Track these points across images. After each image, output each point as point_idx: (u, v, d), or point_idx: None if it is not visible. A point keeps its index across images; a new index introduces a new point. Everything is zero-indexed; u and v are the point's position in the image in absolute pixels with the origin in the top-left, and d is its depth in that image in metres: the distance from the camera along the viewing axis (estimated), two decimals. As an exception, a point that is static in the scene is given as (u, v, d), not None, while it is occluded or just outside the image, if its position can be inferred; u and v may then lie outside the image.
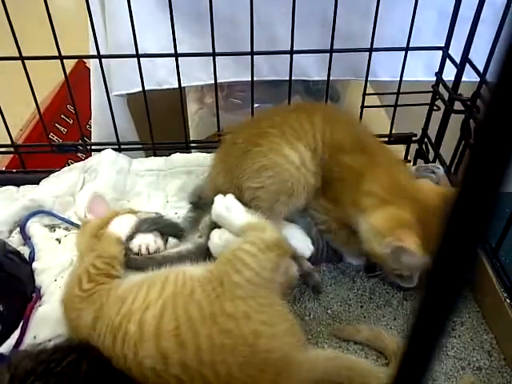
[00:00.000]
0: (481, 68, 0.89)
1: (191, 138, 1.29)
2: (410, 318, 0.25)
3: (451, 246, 0.23)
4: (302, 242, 0.81)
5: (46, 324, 0.75)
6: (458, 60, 0.97)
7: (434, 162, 1.05)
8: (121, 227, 0.76)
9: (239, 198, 0.79)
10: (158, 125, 1.06)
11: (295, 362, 0.63)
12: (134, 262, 0.76)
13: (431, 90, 1.05)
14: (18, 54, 0.94)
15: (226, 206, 0.77)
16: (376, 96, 1.18)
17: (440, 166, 0.97)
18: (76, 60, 1.43)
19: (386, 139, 1.10)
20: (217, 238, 0.77)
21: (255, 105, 1.07)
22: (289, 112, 0.86)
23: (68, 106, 1.44)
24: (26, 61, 0.95)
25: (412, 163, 1.12)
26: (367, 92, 1.06)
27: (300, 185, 0.80)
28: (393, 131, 1.09)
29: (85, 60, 1.43)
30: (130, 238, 0.77)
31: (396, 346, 0.73)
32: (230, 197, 0.79)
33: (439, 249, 0.23)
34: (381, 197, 0.76)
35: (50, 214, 0.93)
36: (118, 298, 0.66)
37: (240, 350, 0.60)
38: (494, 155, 0.20)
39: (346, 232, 0.83)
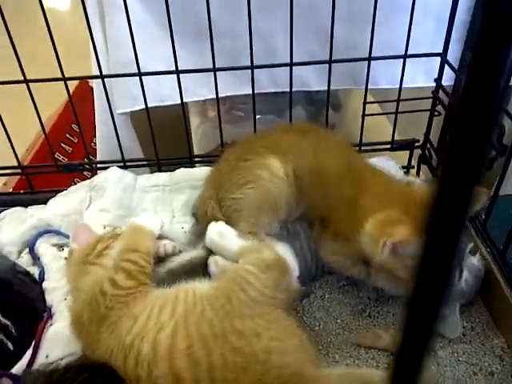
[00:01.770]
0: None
1: (195, 152, 1.30)
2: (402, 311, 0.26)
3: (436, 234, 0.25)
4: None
5: (57, 343, 0.75)
6: (457, 64, 0.97)
7: (437, 167, 1.05)
8: (152, 224, 0.74)
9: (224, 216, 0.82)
10: (162, 140, 1.07)
11: (308, 377, 0.63)
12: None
13: (431, 95, 1.05)
14: (21, 75, 0.95)
15: (218, 233, 0.78)
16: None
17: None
18: (79, 79, 1.44)
19: (389, 146, 1.10)
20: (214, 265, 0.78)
21: (257, 116, 1.07)
22: (282, 133, 0.89)
23: (72, 125, 1.45)
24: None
25: (416, 169, 1.12)
26: (368, 100, 1.06)
27: (282, 196, 0.81)
28: (395, 138, 1.10)
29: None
30: None
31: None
32: (222, 223, 0.80)
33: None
34: (372, 208, 0.76)
35: (58, 233, 0.94)
36: (131, 316, 0.66)
37: (253, 367, 0.60)
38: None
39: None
